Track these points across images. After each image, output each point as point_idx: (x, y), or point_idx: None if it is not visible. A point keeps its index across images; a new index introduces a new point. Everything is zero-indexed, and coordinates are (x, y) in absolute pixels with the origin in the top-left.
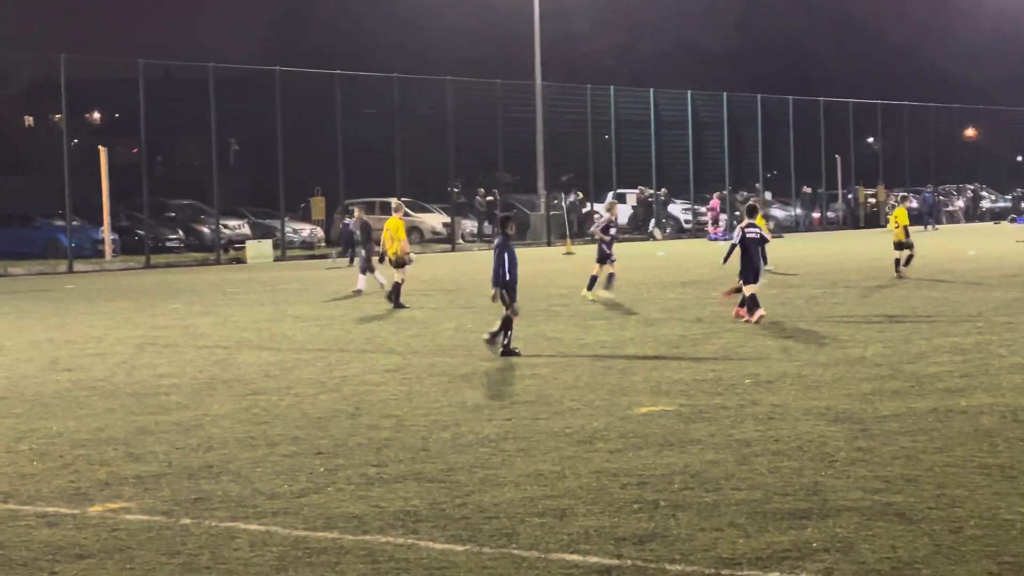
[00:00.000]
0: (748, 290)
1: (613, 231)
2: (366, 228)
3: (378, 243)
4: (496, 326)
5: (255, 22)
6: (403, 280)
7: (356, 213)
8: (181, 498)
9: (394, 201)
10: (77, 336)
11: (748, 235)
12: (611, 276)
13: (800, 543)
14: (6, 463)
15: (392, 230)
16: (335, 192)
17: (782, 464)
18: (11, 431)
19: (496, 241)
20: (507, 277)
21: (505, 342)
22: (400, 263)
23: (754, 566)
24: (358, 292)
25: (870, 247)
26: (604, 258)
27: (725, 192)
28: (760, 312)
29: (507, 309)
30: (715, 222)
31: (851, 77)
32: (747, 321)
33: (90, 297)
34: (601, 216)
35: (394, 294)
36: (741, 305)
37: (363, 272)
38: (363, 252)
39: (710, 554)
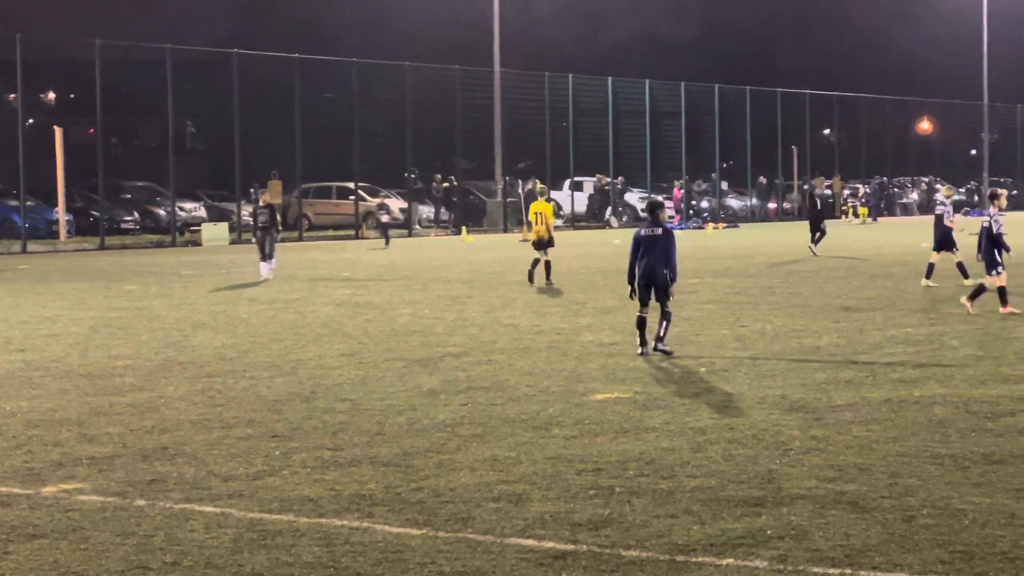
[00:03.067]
0: (996, 282)
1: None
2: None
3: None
4: (662, 327)
5: (214, 4)
6: (548, 259)
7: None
8: (135, 479)
9: (540, 185)
10: (31, 316)
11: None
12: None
13: (754, 530)
14: None
15: (545, 214)
16: (293, 176)
17: (737, 452)
18: None
19: (649, 231)
20: (664, 270)
21: (663, 335)
22: (544, 244)
23: (708, 552)
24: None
25: (826, 238)
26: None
27: (683, 181)
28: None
29: (668, 302)
30: (677, 211)
31: (809, 69)
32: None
33: (44, 278)
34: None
35: (546, 272)
36: (972, 297)
37: (270, 258)
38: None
39: (665, 540)
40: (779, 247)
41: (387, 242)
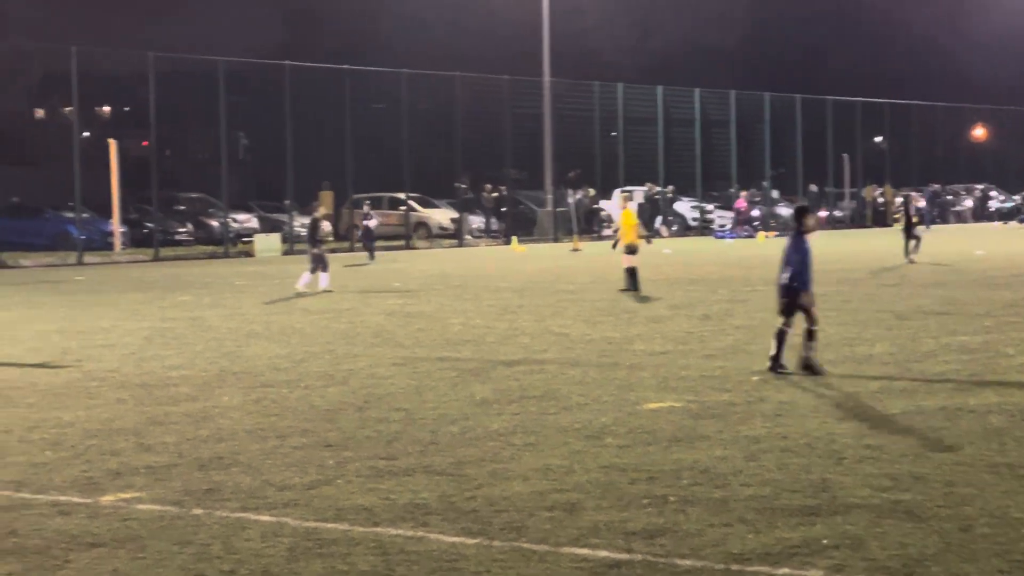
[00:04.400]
0: None
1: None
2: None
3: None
4: (811, 345)
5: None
6: (636, 266)
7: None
8: (192, 488)
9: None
10: (87, 327)
11: None
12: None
13: (809, 539)
14: (19, 452)
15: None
16: (343, 187)
17: (790, 461)
18: (24, 421)
19: (795, 241)
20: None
21: (811, 353)
22: (634, 250)
23: (764, 562)
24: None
25: (877, 246)
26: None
27: (751, 191)
28: None
29: (810, 313)
30: (742, 222)
31: (860, 76)
32: None
33: (100, 289)
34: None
35: (631, 280)
36: None
37: (324, 270)
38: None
39: (720, 549)
40: (829, 255)
41: (371, 255)
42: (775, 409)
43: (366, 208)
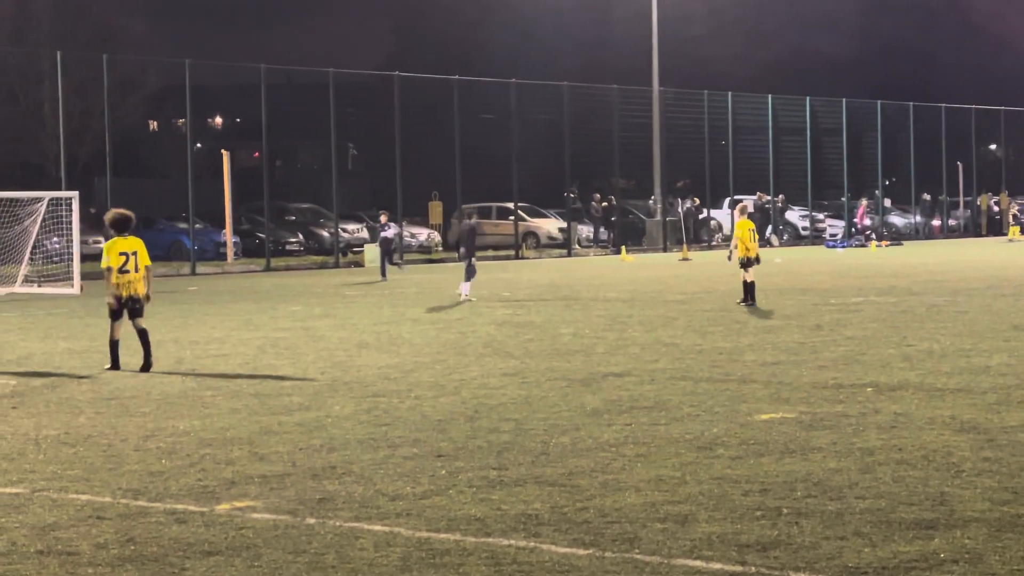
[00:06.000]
0: None
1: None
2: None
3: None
4: None
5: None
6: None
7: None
8: (306, 498)
9: (751, 205)
10: (200, 337)
11: None
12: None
13: (927, 553)
14: (135, 461)
15: (753, 231)
16: (452, 197)
17: (906, 473)
18: (139, 429)
19: None
20: None
21: None
22: (750, 263)
23: (881, 575)
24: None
25: (993, 255)
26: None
27: (872, 200)
28: None
29: None
30: (861, 231)
31: (973, 83)
32: None
33: (212, 299)
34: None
35: (748, 292)
36: None
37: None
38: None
39: (835, 563)
40: (944, 265)
41: (384, 272)
42: (890, 421)
43: (383, 218)
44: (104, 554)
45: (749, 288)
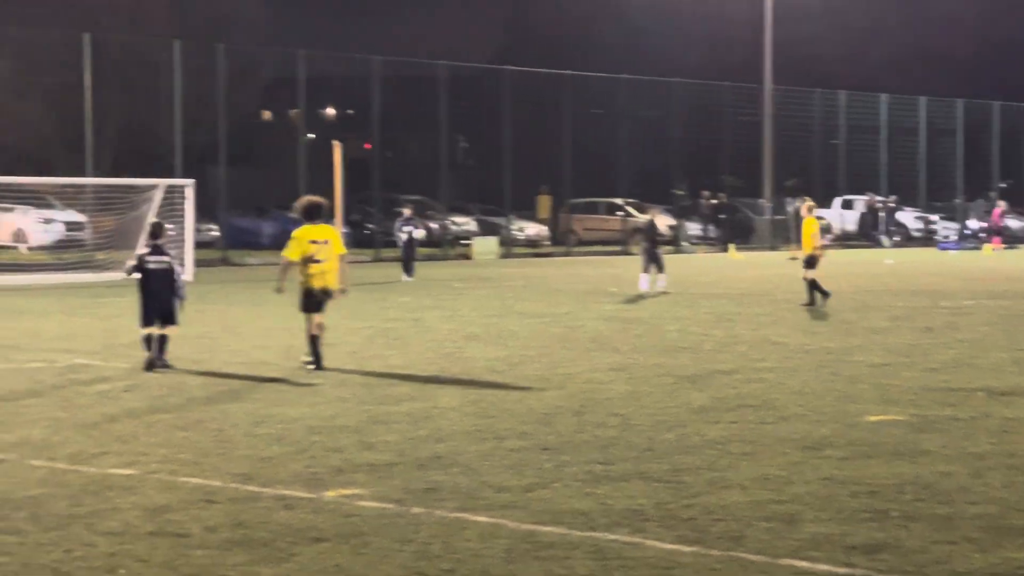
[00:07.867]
0: None
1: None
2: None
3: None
4: None
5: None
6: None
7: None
8: (412, 487)
9: (808, 202)
10: None
11: None
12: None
13: None
14: (246, 446)
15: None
16: (561, 192)
17: (1018, 479)
18: (250, 416)
19: None
20: None
21: None
22: (813, 262)
23: None
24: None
25: None
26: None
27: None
28: None
29: None
30: (996, 233)
31: None
32: None
33: None
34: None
35: (811, 293)
36: None
37: (660, 271)
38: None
39: (945, 567)
40: None
41: (408, 271)
42: (1001, 425)
43: (406, 213)
44: (214, 537)
45: (814, 286)
